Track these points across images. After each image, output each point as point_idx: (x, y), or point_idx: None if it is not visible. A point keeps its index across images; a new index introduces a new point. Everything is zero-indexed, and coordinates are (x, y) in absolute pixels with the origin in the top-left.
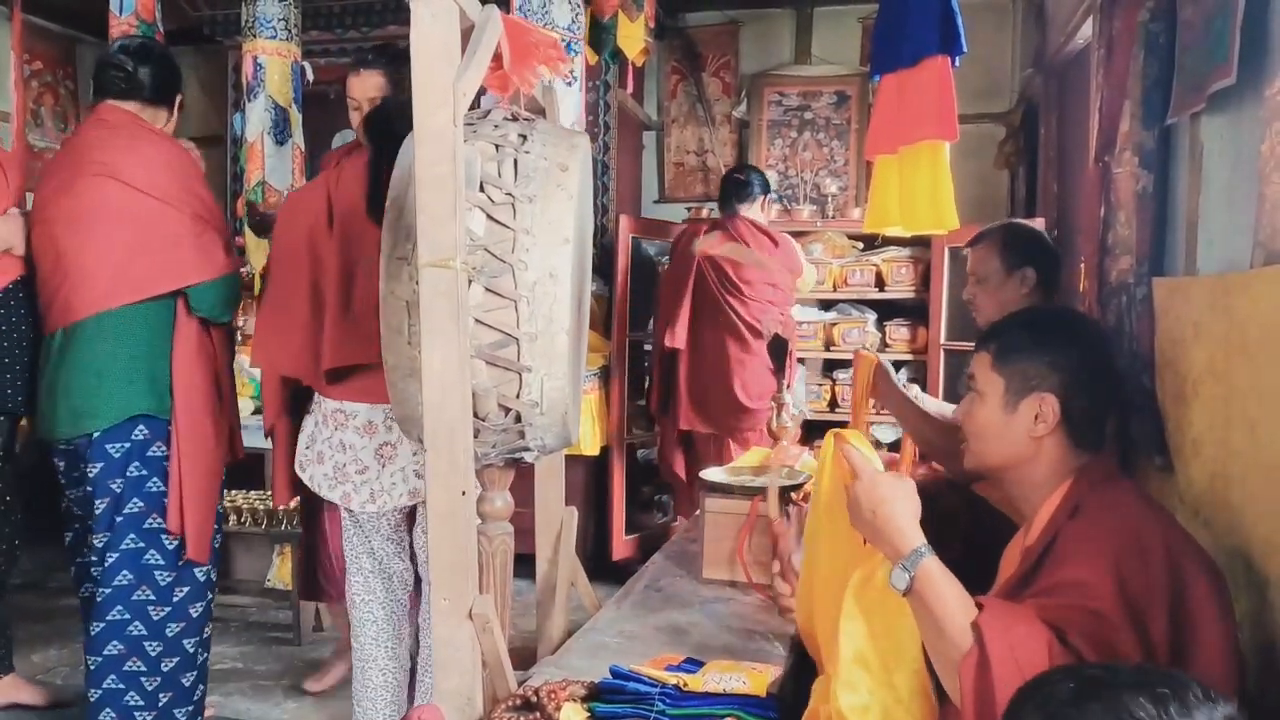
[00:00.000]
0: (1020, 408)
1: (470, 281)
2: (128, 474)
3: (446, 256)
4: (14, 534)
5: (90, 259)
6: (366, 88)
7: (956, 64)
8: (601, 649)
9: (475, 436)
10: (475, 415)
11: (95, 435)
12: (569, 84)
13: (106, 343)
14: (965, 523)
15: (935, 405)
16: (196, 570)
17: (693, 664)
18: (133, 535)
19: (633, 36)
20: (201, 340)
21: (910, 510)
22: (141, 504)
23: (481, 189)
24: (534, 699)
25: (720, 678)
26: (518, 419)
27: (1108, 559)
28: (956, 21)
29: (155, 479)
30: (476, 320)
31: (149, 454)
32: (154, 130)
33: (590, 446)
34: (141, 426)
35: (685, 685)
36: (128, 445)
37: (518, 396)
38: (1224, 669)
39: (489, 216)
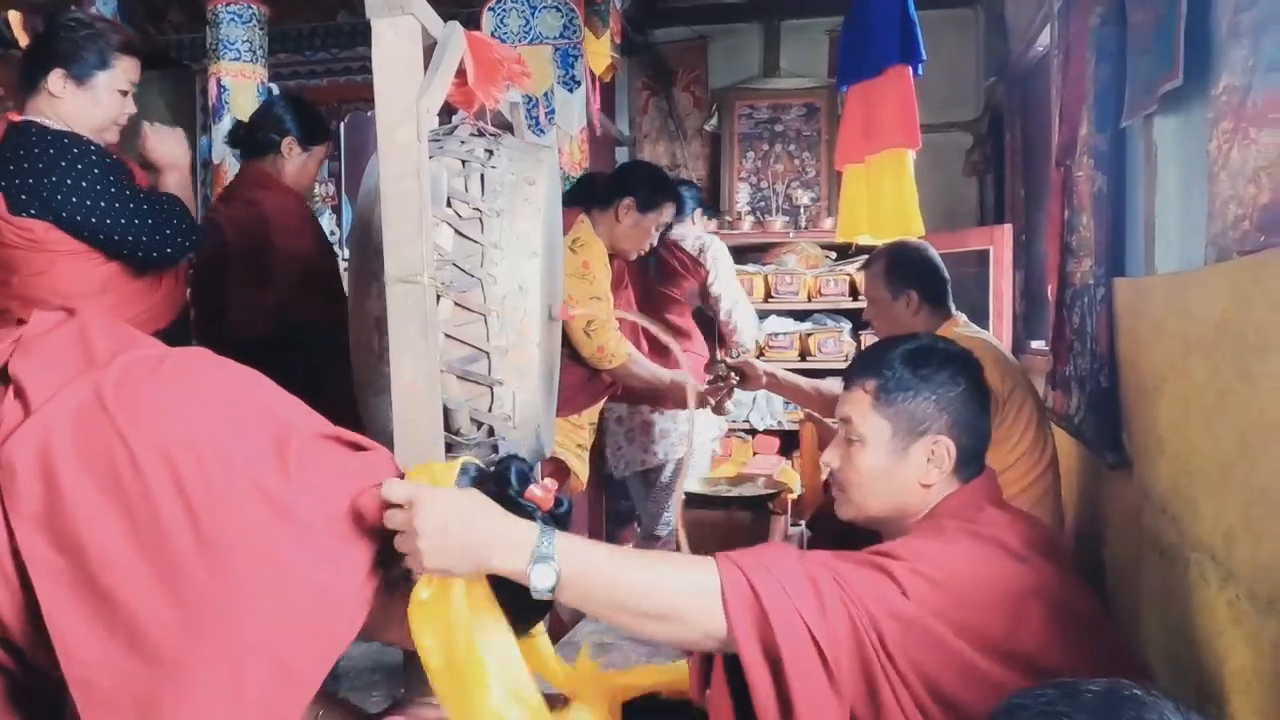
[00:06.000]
0: (911, 453)
1: (439, 296)
2: None
3: (414, 271)
4: None
5: None
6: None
7: (919, 73)
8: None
9: (447, 451)
10: (447, 430)
11: None
12: (570, 90)
13: None
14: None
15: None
16: None
17: None
18: None
19: (599, 53)
20: None
21: (492, 506)
22: None
23: (449, 204)
24: None
25: None
26: (490, 433)
27: (937, 544)
28: (915, 31)
29: None
30: (446, 335)
31: None
32: None
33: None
34: None
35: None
36: None
37: (490, 411)
38: None
39: (456, 231)
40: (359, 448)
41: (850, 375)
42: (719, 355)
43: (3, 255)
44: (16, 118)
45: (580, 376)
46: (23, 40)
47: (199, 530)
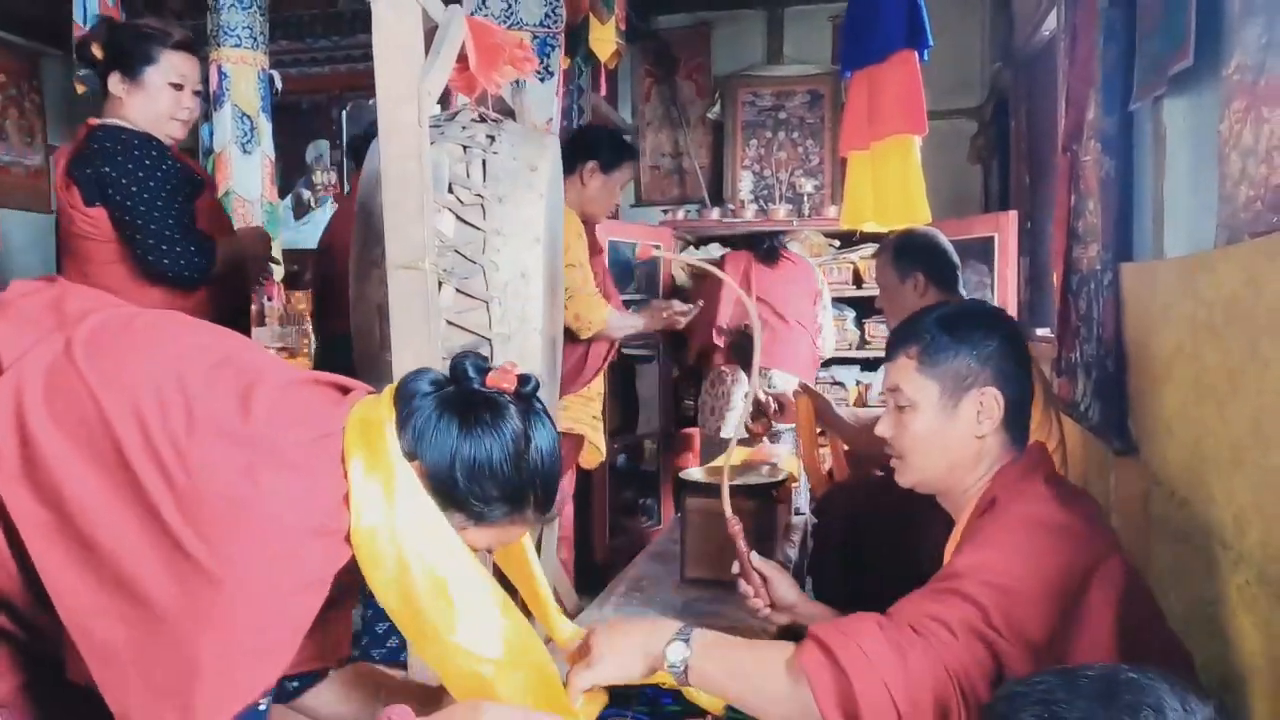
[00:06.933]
0: (961, 408)
1: (441, 283)
2: None
3: (416, 258)
4: None
5: None
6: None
7: (925, 58)
8: None
9: None
10: None
11: None
12: (542, 80)
13: None
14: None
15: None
16: None
17: None
18: None
19: (604, 39)
20: None
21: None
22: None
23: (450, 190)
24: None
25: None
26: None
27: (1000, 550)
28: (922, 15)
29: None
30: (448, 322)
31: None
32: None
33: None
34: None
35: (666, 684)
36: None
37: None
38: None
39: (458, 218)
40: (344, 390)
41: (891, 347)
42: (759, 384)
43: (79, 247)
44: (95, 121)
45: (582, 350)
46: (101, 57)
47: (170, 479)
